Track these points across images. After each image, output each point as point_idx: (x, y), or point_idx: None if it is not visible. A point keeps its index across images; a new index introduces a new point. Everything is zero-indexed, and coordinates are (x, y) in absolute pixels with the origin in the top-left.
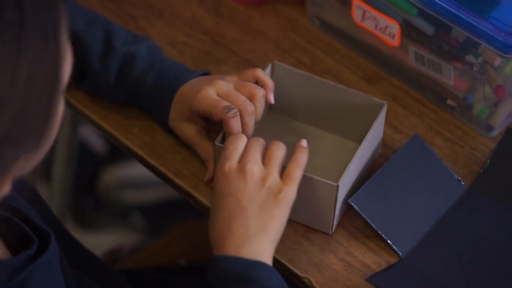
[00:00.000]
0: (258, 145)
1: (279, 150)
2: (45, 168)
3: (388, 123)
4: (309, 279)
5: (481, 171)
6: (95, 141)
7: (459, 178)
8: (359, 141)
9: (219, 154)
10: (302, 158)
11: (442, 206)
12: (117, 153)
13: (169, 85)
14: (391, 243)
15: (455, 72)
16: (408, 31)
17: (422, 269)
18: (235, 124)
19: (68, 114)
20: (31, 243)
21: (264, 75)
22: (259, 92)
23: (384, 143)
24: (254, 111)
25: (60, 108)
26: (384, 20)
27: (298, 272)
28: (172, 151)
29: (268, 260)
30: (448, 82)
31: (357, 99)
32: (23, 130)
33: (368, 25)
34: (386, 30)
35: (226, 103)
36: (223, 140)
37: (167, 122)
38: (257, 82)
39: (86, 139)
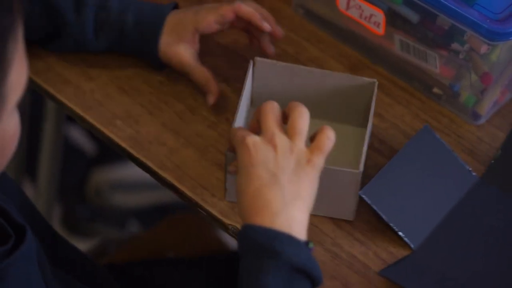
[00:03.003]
0: (273, 113)
1: (302, 118)
2: (31, 165)
3: (374, 112)
4: None
5: (493, 161)
6: (85, 143)
7: (470, 169)
8: (353, 123)
9: (229, 161)
10: (330, 132)
11: (453, 198)
12: (107, 154)
13: (155, 16)
14: (403, 235)
15: (440, 60)
16: (393, 19)
17: (434, 261)
18: (247, 8)
19: (52, 109)
20: (8, 237)
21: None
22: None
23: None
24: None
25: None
26: (368, 9)
27: None
28: (156, 143)
29: (303, 230)
30: (434, 70)
31: (346, 82)
32: None
33: (353, 13)
34: (371, 18)
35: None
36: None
37: (156, 52)
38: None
39: (76, 142)
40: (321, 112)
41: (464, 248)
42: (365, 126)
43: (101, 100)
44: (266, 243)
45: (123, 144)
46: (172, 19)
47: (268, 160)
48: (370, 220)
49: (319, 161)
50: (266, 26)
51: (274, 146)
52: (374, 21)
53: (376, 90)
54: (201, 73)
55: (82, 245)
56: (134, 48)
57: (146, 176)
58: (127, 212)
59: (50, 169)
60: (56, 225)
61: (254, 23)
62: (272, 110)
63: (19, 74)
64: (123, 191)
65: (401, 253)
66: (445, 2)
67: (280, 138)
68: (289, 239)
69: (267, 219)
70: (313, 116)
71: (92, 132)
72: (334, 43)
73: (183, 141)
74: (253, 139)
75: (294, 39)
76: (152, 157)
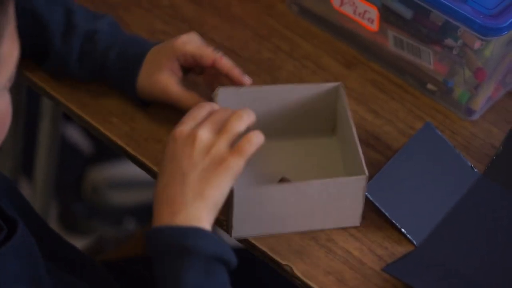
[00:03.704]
0: (220, 115)
1: (238, 121)
2: (28, 164)
3: (368, 108)
4: (290, 267)
5: (494, 157)
6: (81, 141)
7: (472, 165)
8: (327, 130)
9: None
10: (256, 138)
11: (455, 194)
12: (104, 152)
13: (138, 49)
14: (405, 232)
15: (434, 56)
16: (387, 15)
17: (437, 257)
18: (227, 61)
19: (48, 107)
20: (0, 230)
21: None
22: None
23: (364, 129)
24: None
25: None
26: (362, 5)
27: (279, 260)
28: (151, 140)
29: (204, 227)
30: (428, 66)
31: (311, 92)
32: None
33: (347, 10)
34: (364, 15)
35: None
36: None
37: (134, 86)
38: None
39: (73, 141)
40: (292, 127)
41: (468, 244)
42: (340, 131)
43: (97, 98)
44: (175, 242)
45: (119, 142)
46: (153, 51)
47: (184, 155)
48: (365, 216)
49: (235, 163)
50: (247, 81)
51: (194, 141)
52: (368, 18)
53: (343, 92)
54: (190, 97)
55: (79, 243)
56: (115, 80)
57: (143, 173)
58: (124, 209)
59: (47, 167)
60: (53, 223)
61: (232, 77)
62: (224, 112)
63: (10, 49)
64: (120, 189)
65: (396, 248)
66: None
67: (204, 134)
68: (197, 231)
69: (167, 217)
70: (287, 135)
71: (88, 130)
72: (328, 40)
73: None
74: (180, 130)
75: (288, 36)
76: (148, 154)
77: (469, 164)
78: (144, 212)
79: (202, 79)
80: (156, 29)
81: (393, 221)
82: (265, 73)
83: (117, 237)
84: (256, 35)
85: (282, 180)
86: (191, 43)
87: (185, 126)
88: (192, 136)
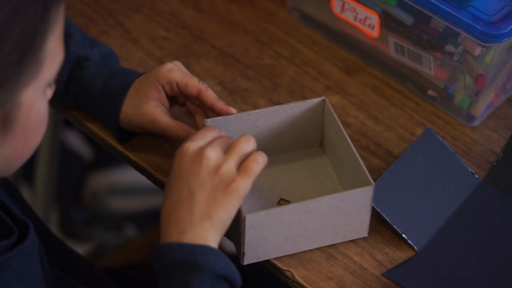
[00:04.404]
0: (227, 139)
1: (246, 143)
2: (28, 170)
3: (368, 114)
4: (291, 272)
5: (495, 163)
6: (82, 148)
7: (473, 171)
8: (318, 145)
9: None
10: (261, 158)
11: (456, 200)
12: (103, 159)
13: (122, 82)
14: (406, 237)
15: (435, 62)
16: (387, 21)
17: (438, 263)
18: (212, 93)
19: (49, 113)
20: (12, 233)
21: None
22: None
23: (365, 135)
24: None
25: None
26: (363, 11)
27: (280, 266)
28: (152, 146)
29: (212, 246)
30: (429, 72)
31: (297, 109)
32: None
33: (348, 16)
34: (365, 21)
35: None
36: None
37: (117, 116)
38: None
39: (73, 147)
40: (281, 146)
41: (468, 250)
42: (329, 145)
43: None
44: (186, 257)
45: (120, 148)
46: (138, 81)
47: (192, 173)
48: None
49: (244, 184)
50: (233, 110)
51: (202, 159)
52: (369, 24)
53: (329, 106)
54: (179, 127)
55: (79, 249)
56: (98, 109)
57: (143, 180)
58: (124, 216)
59: (47, 173)
60: (53, 229)
61: (217, 109)
62: (228, 138)
63: (55, 49)
64: (120, 195)
65: (397, 254)
66: (439, 4)
67: (212, 153)
68: (206, 249)
69: (175, 235)
70: (273, 152)
71: (90, 136)
72: (329, 46)
73: (179, 144)
74: (188, 146)
75: (289, 42)
76: (148, 159)
77: (470, 170)
78: (144, 219)
79: (185, 108)
80: (157, 36)
81: (394, 226)
82: (266, 79)
83: (117, 244)
84: (257, 42)
85: (281, 201)
86: (176, 70)
87: (193, 143)
88: (200, 153)
